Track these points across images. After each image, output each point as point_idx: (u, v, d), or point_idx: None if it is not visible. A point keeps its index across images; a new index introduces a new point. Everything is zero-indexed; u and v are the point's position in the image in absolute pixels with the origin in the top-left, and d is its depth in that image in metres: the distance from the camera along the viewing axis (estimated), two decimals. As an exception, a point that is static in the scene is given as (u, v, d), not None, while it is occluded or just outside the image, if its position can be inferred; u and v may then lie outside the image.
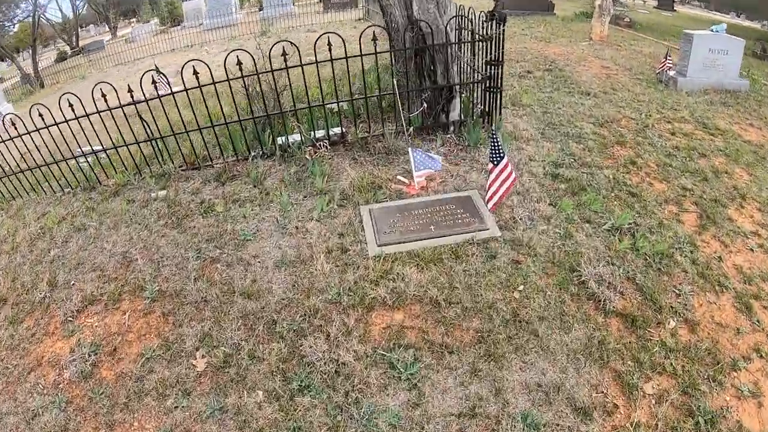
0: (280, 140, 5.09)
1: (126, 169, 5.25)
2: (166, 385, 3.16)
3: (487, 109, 5.36)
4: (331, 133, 5.14)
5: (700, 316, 3.48)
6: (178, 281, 3.85)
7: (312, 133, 5.08)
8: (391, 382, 3.02)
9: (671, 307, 3.51)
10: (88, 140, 5.31)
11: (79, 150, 5.73)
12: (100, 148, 5.16)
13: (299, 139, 5.05)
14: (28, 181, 5.68)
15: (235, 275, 3.83)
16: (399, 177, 4.63)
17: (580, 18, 15.12)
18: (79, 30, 29.74)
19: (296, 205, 4.46)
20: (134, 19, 33.26)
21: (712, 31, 8.63)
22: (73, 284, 4.07)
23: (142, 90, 4.75)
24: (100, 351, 3.49)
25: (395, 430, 2.79)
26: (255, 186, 4.76)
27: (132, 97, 4.67)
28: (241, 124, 4.99)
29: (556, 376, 3.02)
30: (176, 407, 3.04)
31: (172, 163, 5.21)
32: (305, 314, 3.45)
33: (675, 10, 24.52)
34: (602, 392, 2.97)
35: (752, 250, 4.15)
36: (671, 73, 8.22)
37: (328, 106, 5.19)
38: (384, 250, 3.82)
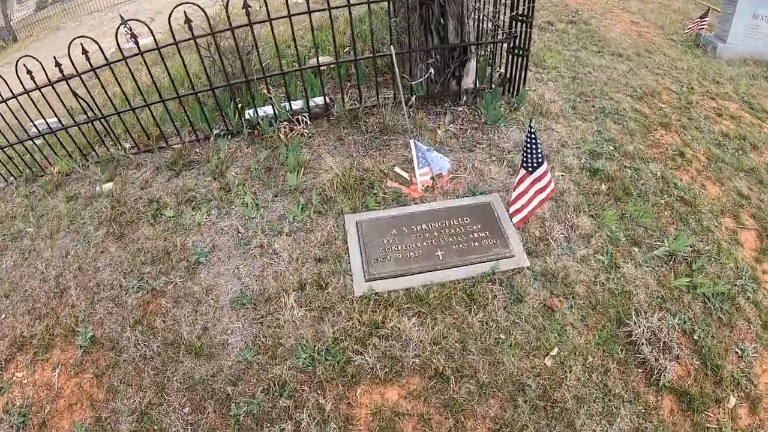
0: (247, 114, 3.98)
1: (71, 156, 4.28)
2: (91, 491, 2.46)
3: (509, 76, 4.04)
4: (311, 103, 3.96)
5: (763, 388, 2.57)
6: (114, 325, 3.04)
7: (287, 104, 3.91)
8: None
9: (732, 376, 2.65)
10: (41, 113, 4.32)
11: (31, 124, 4.77)
12: (50, 125, 4.16)
13: (272, 112, 3.91)
14: None
15: (182, 318, 2.98)
16: (397, 169, 3.52)
17: None
18: None
19: (263, 208, 3.46)
20: None
21: None
22: (4, 318, 3.33)
23: (70, 58, 3.62)
24: (28, 422, 2.81)
25: None
26: (215, 178, 3.76)
27: (61, 72, 3.57)
28: (197, 95, 3.85)
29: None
30: None
31: (121, 145, 4.20)
32: (268, 389, 2.62)
33: None
34: None
35: None
36: (709, 36, 7.50)
37: (307, 68, 3.95)
38: (374, 287, 2.87)
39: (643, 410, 2.44)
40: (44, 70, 3.70)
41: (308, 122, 3.89)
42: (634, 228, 3.27)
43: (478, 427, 2.39)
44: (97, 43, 3.63)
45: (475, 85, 3.98)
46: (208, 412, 2.61)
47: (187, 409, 2.65)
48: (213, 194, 3.63)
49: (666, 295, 2.87)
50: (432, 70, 3.74)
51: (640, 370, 2.58)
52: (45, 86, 3.72)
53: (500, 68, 4.21)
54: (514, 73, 4.04)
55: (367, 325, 2.73)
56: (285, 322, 2.84)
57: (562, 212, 3.25)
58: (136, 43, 4.14)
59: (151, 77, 3.87)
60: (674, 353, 2.61)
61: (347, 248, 3.10)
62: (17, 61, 3.68)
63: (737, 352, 2.69)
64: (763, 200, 3.83)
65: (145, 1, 15.53)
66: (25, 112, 4.17)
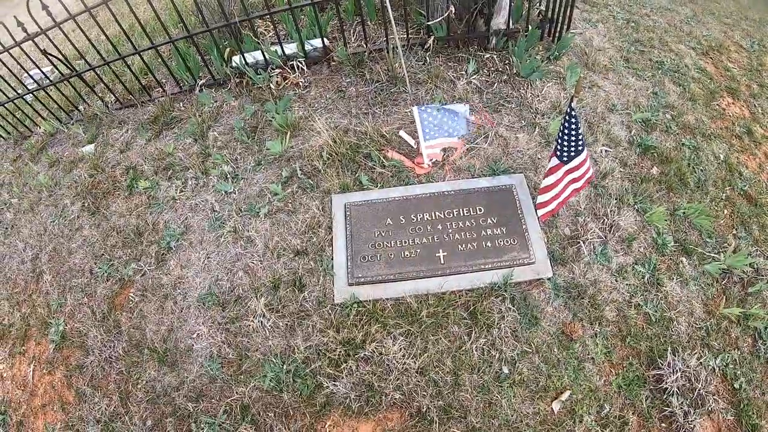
0: (235, 60, 3.34)
1: (55, 116, 3.92)
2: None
3: (550, 15, 3.05)
4: (308, 47, 3.23)
5: None
6: (84, 318, 2.79)
7: (279, 48, 3.22)
8: None
9: None
10: (35, 63, 3.94)
11: (27, 75, 4.44)
12: (40, 77, 3.78)
13: (263, 58, 3.24)
14: None
15: (149, 315, 2.66)
16: (402, 133, 2.81)
17: None
18: None
19: (243, 180, 2.95)
20: None
21: None
22: (-17, 303, 3.18)
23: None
24: (8, 419, 2.71)
25: None
26: (195, 140, 3.26)
27: (25, 31, 3.07)
28: (174, 44, 3.25)
29: None
30: None
31: (102, 101, 3.75)
32: (231, 410, 2.27)
33: None
34: None
35: None
36: None
37: (301, 6, 3.17)
38: (358, 293, 2.35)
39: None
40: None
41: (304, 69, 3.20)
42: (687, 231, 2.49)
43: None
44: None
45: (508, 25, 3.01)
46: (169, 430, 2.32)
47: (149, 422, 2.38)
48: (191, 161, 3.15)
49: (711, 327, 2.17)
50: (452, 7, 2.82)
51: (663, 425, 1.96)
52: (33, 37, 3.23)
53: (540, 5, 3.22)
54: (556, 11, 3.04)
55: (343, 345, 2.25)
56: (253, 330, 2.42)
57: (601, 204, 2.48)
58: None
59: (120, 27, 3.28)
60: (708, 407, 1.97)
61: (331, 239, 2.56)
62: None
63: None
64: None
65: None
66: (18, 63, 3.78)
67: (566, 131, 1.91)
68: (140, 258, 2.87)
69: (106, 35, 3.29)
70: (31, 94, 3.85)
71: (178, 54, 3.37)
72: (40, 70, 3.69)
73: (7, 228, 3.46)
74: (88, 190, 3.31)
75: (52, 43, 3.39)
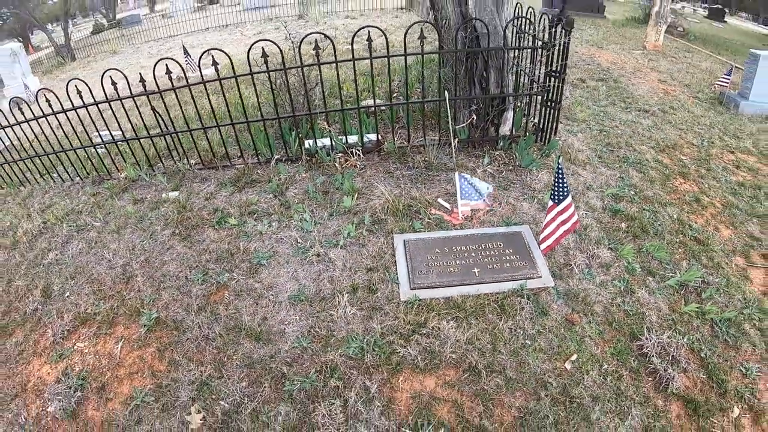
0: (307, 143, 4.53)
1: (138, 164, 4.78)
2: (153, 443, 2.71)
3: (541, 126, 4.67)
4: (365, 139, 4.54)
5: (766, 403, 2.89)
6: (179, 310, 3.37)
7: (344, 137, 4.49)
8: (417, 474, 2.50)
9: (737, 390, 2.93)
10: (106, 124, 4.85)
11: (97, 134, 5.30)
12: (113, 137, 4.69)
13: (329, 143, 4.47)
14: (42, 164, 5.28)
15: (244, 309, 3.33)
16: (440, 200, 4.02)
17: (631, 23, 14.31)
18: (119, 2, 29.31)
19: (320, 224, 3.91)
20: None
21: None
22: (68, 296, 3.66)
23: (154, 76, 4.22)
24: (87, 385, 3.06)
25: None
26: (275, 196, 4.23)
27: (144, 87, 4.14)
28: (265, 123, 4.43)
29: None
30: (163, 477, 2.59)
31: (188, 160, 4.71)
32: (320, 370, 2.94)
33: (725, 21, 23.17)
34: None
35: None
36: (733, 94, 7.74)
37: (363, 108, 4.57)
38: (418, 294, 3.26)
39: (652, 412, 2.75)
40: (127, 82, 4.30)
41: (361, 155, 4.44)
42: (650, 261, 3.68)
43: (505, 415, 2.71)
44: (180, 65, 4.24)
45: (511, 132, 4.58)
46: (264, 387, 2.90)
47: (244, 383, 2.94)
48: (273, 209, 4.09)
49: (676, 318, 3.24)
50: (474, 117, 4.36)
51: (650, 378, 2.91)
52: (124, 98, 4.28)
53: (534, 118, 4.82)
54: (546, 123, 4.65)
55: (410, 324, 3.10)
56: (338, 317, 3.20)
57: (584, 244, 3.70)
58: (216, 70, 4.74)
59: (225, 102, 4.46)
60: (682, 366, 2.94)
61: (395, 261, 3.53)
62: (68, 82, 4.28)
63: (742, 371, 3.00)
64: None
65: (200, 35, 16.69)
66: (92, 121, 4.71)
67: (556, 181, 3.16)
68: (233, 270, 3.61)
69: (211, 107, 4.42)
70: (104, 147, 4.74)
71: (263, 131, 4.53)
72: (109, 132, 4.67)
73: (90, 242, 4.05)
74: (178, 222, 4.09)
75: (133, 111, 4.45)
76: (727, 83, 7.71)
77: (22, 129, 4.90)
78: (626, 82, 7.84)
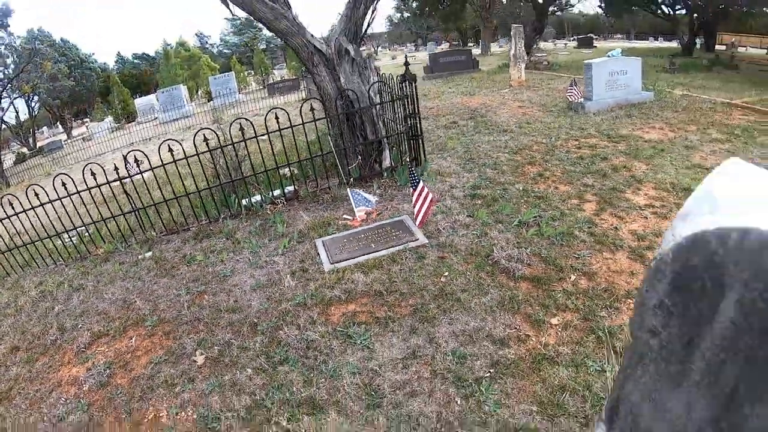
0: (244, 201, 6.27)
1: (113, 239, 6.21)
2: (173, 378, 4.00)
3: (414, 155, 6.82)
4: (286, 191, 6.39)
5: (597, 268, 4.49)
6: (174, 310, 4.77)
7: (270, 193, 6.31)
8: (349, 347, 4.02)
9: (572, 266, 4.54)
10: (71, 220, 6.28)
11: (69, 226, 6.66)
12: (89, 221, 6.13)
13: (260, 199, 6.25)
14: (21, 256, 6.48)
15: (221, 300, 4.80)
16: (345, 216, 5.87)
17: (503, 69, 17.64)
18: (36, 132, 30.50)
19: (263, 247, 5.57)
20: (87, 119, 34.39)
21: (608, 56, 10.45)
22: (81, 327, 4.88)
23: (117, 171, 5.89)
24: (113, 366, 4.28)
25: (355, 375, 3.76)
26: (227, 239, 5.85)
27: (118, 173, 5.79)
28: (211, 191, 6.17)
29: (477, 324, 4.09)
30: (183, 391, 3.88)
31: (154, 231, 6.24)
32: (279, 315, 4.45)
33: (595, 46, 28.72)
34: (515, 329, 4.00)
35: (646, 217, 5.14)
36: (580, 99, 9.61)
37: (281, 170, 6.49)
38: (336, 265, 4.96)
39: (507, 290, 4.41)
40: (105, 174, 5.92)
41: (285, 203, 6.25)
42: (500, 215, 5.48)
43: (402, 310, 4.34)
44: (126, 167, 5.98)
45: (391, 164, 6.65)
46: (243, 331, 4.34)
47: (229, 334, 4.35)
48: (228, 246, 5.69)
49: (520, 241, 5.06)
50: (360, 158, 6.41)
51: (502, 274, 4.57)
52: (100, 185, 5.88)
53: (407, 155, 6.92)
54: (416, 151, 6.76)
55: (333, 281, 4.74)
56: (285, 288, 4.77)
57: (449, 217, 5.58)
58: (139, 169, 6.49)
59: (181, 178, 6.18)
60: (526, 263, 4.65)
61: (318, 253, 5.22)
62: (27, 188, 5.89)
63: (575, 256, 4.71)
64: (604, 185, 6.02)
65: (125, 150, 17.90)
66: (59, 218, 6.19)
67: (410, 174, 5.12)
68: (208, 284, 5.08)
69: (170, 187, 6.11)
70: (76, 232, 6.19)
71: (212, 198, 6.24)
72: (82, 222, 6.17)
73: (89, 294, 5.33)
74: (158, 268, 5.55)
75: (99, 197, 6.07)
76: (575, 93, 9.62)
77: None
78: (491, 115, 10.15)
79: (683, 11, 24.77)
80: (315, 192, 6.40)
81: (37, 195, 6.03)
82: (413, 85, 6.44)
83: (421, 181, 5.09)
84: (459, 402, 3.32)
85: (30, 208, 5.99)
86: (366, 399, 3.46)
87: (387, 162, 6.76)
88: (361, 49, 6.54)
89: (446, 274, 4.68)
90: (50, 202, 5.94)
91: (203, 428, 3.47)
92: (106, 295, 5.21)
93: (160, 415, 3.70)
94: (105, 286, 5.42)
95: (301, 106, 6.23)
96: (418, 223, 5.19)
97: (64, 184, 5.77)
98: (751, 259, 0.67)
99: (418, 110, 6.64)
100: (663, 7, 24.90)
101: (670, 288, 0.82)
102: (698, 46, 24.95)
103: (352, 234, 5.46)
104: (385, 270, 4.83)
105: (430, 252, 5.04)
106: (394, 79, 6.81)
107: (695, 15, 23.45)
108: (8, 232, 6.30)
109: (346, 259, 5.03)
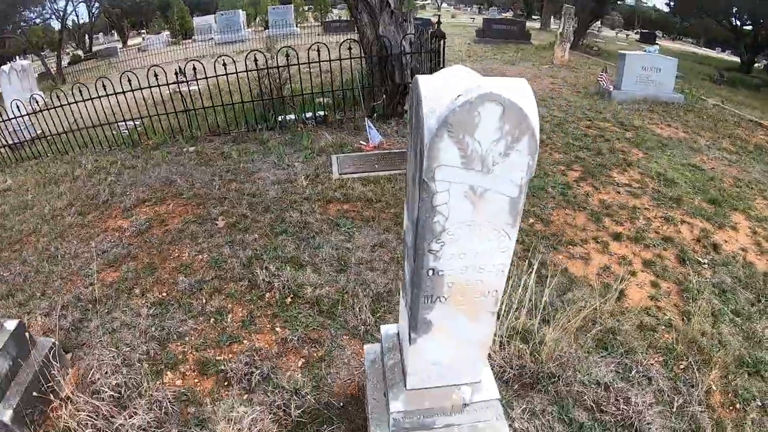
0: (280, 118, 7.18)
1: (163, 133, 7.30)
2: (197, 233, 5.00)
3: None
4: (317, 115, 7.26)
5: (555, 218, 5.19)
6: (207, 190, 5.78)
7: (303, 114, 7.19)
8: (335, 231, 4.90)
9: (534, 213, 5.29)
10: (131, 113, 7.38)
11: (122, 120, 7.81)
12: (145, 116, 7.23)
13: (294, 118, 7.14)
14: (82, 138, 7.68)
15: (245, 187, 5.77)
16: (361, 141, 6.71)
17: (553, 46, 17.59)
18: (93, 37, 31.81)
19: (288, 155, 6.49)
20: (143, 30, 35.58)
21: (645, 51, 10.42)
22: (129, 193, 5.97)
23: (177, 75, 6.89)
24: (152, 221, 5.34)
25: (333, 250, 4.63)
26: (260, 144, 6.81)
27: (183, 76, 6.80)
28: (254, 104, 7.11)
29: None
30: (203, 242, 4.88)
31: (200, 131, 7.27)
32: (288, 202, 5.38)
33: (657, 44, 27.61)
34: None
35: (619, 192, 5.65)
36: (609, 87, 9.70)
37: (317, 99, 7.36)
38: (343, 176, 5.82)
39: None
40: (138, 82, 6.96)
41: (314, 125, 7.12)
42: None
43: (384, 216, 5.15)
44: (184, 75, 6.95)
45: None
46: (259, 210, 5.29)
47: (247, 210, 5.32)
48: (259, 150, 6.65)
49: None
50: (385, 97, 7.18)
51: None
52: (160, 85, 6.91)
53: None
54: None
55: (337, 186, 5.61)
56: (298, 186, 5.69)
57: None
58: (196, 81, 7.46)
59: (229, 91, 7.13)
60: None
61: (330, 165, 6.10)
62: (97, 79, 6.92)
63: (540, 207, 5.39)
64: (595, 161, 6.51)
65: (181, 62, 19.29)
66: (113, 113, 7.28)
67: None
68: (237, 175, 6.07)
69: (220, 98, 7.10)
70: (133, 123, 7.27)
71: (253, 110, 7.18)
72: (125, 122, 7.23)
73: (137, 172, 6.43)
74: (198, 159, 6.58)
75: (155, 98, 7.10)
76: (605, 79, 9.72)
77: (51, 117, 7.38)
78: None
79: (750, 26, 23.38)
80: (342, 120, 7.23)
81: (104, 87, 7.13)
82: (442, 41, 7.08)
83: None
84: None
85: (97, 97, 7.10)
86: (336, 265, 4.34)
87: (407, 105, 7.46)
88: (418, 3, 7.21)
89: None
90: (114, 94, 7.02)
91: (213, 266, 4.44)
92: (153, 174, 6.28)
93: (183, 255, 4.70)
94: (152, 167, 6.50)
95: (341, 45, 7.01)
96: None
97: (129, 81, 6.83)
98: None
99: (443, 64, 7.29)
100: (733, 18, 23.56)
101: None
102: (761, 66, 23.77)
103: (363, 156, 6.28)
104: (380, 185, 5.65)
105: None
106: (429, 34, 7.48)
107: (762, 32, 22.17)
108: (73, 115, 7.45)
109: (352, 173, 5.87)
